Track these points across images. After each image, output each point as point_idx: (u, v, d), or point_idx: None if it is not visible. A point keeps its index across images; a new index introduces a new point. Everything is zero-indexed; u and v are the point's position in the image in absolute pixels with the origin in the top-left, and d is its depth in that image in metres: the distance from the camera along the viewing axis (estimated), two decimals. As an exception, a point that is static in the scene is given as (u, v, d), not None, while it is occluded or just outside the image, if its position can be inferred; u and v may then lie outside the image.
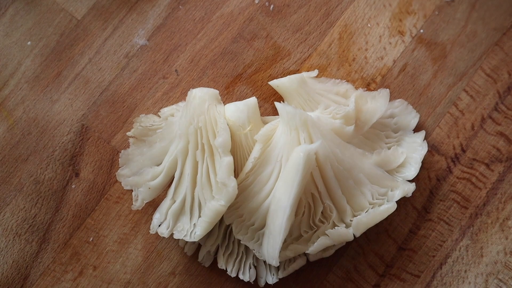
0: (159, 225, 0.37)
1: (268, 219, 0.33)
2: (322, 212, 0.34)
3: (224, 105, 0.35)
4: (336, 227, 0.33)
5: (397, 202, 0.34)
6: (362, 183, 0.33)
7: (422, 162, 0.40)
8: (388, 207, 0.33)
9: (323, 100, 0.37)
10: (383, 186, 0.35)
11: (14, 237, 0.40)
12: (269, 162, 0.33)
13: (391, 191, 0.34)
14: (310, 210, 0.34)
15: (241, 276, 0.36)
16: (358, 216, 0.33)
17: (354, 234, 0.33)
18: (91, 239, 0.40)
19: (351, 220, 0.33)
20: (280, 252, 0.33)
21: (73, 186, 0.40)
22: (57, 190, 0.40)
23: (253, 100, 0.34)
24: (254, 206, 0.34)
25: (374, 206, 0.33)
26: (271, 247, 0.32)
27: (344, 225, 0.33)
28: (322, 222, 0.34)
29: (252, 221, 0.34)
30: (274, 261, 0.33)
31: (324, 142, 0.32)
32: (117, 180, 0.40)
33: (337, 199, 0.33)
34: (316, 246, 0.33)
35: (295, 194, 0.31)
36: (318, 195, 0.33)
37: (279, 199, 0.31)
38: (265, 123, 0.34)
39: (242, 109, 0.33)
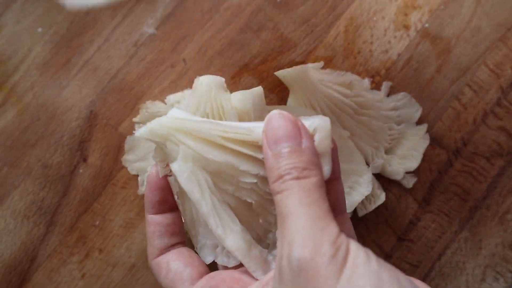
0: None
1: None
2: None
3: (231, 93, 0.35)
4: None
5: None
6: None
7: (424, 155, 0.40)
8: None
9: (328, 91, 0.38)
10: None
11: (23, 219, 0.41)
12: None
13: None
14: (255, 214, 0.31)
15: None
16: None
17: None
18: (97, 223, 0.41)
19: None
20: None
21: (81, 171, 0.41)
22: (64, 174, 0.41)
23: (259, 89, 0.34)
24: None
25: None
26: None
27: None
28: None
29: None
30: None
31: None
32: (123, 166, 0.41)
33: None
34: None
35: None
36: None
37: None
38: (269, 111, 0.35)
39: (248, 97, 0.33)
